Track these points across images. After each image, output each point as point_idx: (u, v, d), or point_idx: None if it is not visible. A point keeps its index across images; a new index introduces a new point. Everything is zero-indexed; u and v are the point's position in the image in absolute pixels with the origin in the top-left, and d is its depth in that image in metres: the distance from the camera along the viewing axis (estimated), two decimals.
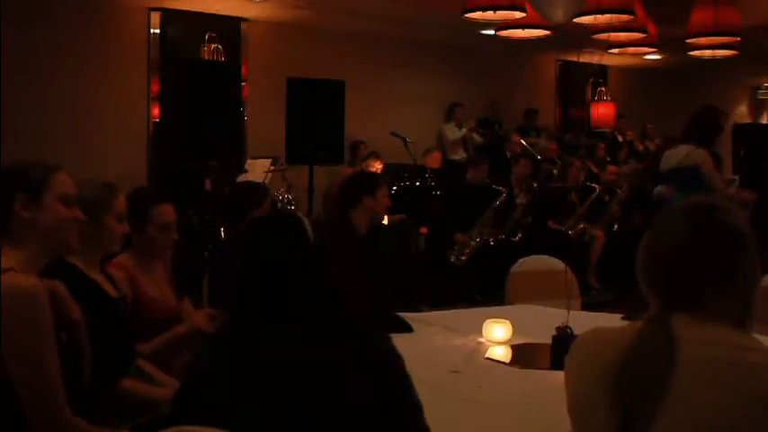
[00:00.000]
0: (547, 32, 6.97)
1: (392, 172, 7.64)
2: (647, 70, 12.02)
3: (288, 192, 6.96)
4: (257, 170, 6.63)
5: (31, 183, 2.02)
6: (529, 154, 8.90)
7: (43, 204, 2.02)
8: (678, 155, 5.30)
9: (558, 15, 4.89)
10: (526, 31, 6.85)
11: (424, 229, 7.50)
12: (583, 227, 7.95)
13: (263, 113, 8.08)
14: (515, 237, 7.51)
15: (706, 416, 1.32)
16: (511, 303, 3.90)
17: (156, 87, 8.09)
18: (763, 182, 8.09)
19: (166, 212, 2.98)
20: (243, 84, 8.10)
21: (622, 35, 7.41)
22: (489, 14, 5.96)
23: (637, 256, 1.49)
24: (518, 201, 7.74)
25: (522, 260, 4.19)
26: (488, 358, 2.77)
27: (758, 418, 1.31)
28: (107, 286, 2.49)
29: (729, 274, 1.42)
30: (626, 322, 2.84)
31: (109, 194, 2.49)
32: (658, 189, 5.43)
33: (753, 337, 1.42)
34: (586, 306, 4.23)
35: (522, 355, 2.81)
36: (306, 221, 1.88)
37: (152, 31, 8.17)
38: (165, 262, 3.09)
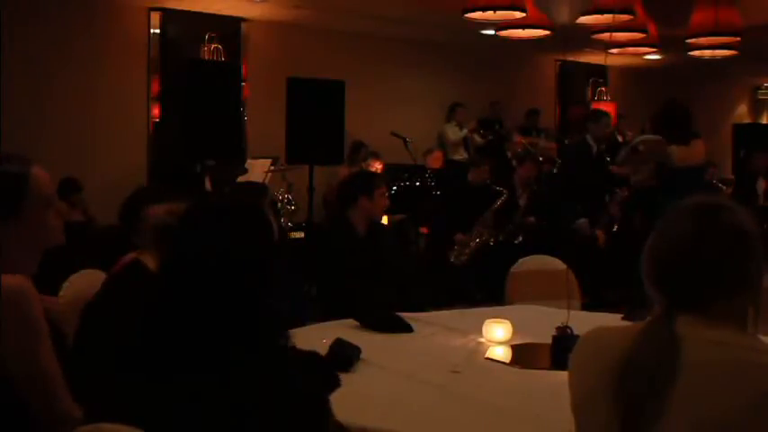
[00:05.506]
0: (547, 32, 6.97)
1: (392, 172, 7.63)
2: (647, 70, 12.01)
3: (288, 192, 6.97)
4: (257, 170, 6.63)
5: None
6: (532, 155, 8.87)
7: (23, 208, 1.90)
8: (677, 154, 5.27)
9: None
10: (526, 31, 6.86)
11: (424, 229, 7.49)
12: None
13: (263, 113, 8.08)
14: (516, 240, 7.48)
15: (710, 416, 1.32)
16: (511, 303, 3.90)
17: (156, 87, 8.09)
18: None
19: None
20: (243, 84, 8.09)
21: (622, 35, 7.41)
22: (489, 14, 5.97)
23: (642, 256, 1.48)
24: (521, 202, 7.71)
25: (522, 260, 4.18)
26: (488, 358, 2.77)
27: (764, 419, 1.30)
28: None
29: (734, 274, 1.41)
30: (626, 322, 2.85)
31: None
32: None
33: (758, 338, 1.42)
34: (586, 306, 4.22)
35: (522, 355, 2.81)
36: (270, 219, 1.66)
37: (152, 31, 8.17)
38: None
